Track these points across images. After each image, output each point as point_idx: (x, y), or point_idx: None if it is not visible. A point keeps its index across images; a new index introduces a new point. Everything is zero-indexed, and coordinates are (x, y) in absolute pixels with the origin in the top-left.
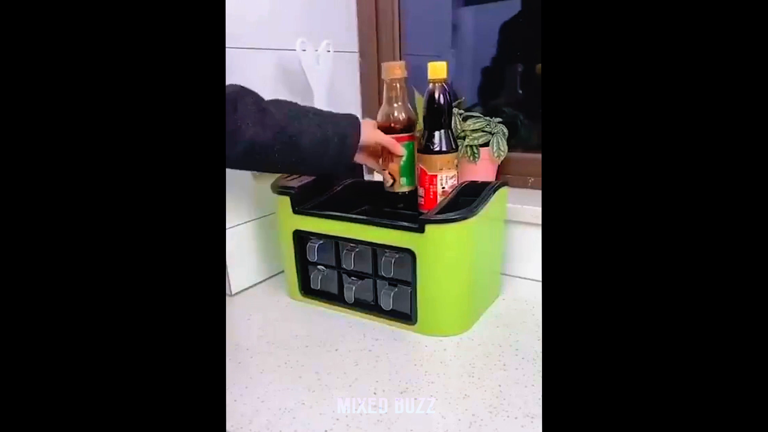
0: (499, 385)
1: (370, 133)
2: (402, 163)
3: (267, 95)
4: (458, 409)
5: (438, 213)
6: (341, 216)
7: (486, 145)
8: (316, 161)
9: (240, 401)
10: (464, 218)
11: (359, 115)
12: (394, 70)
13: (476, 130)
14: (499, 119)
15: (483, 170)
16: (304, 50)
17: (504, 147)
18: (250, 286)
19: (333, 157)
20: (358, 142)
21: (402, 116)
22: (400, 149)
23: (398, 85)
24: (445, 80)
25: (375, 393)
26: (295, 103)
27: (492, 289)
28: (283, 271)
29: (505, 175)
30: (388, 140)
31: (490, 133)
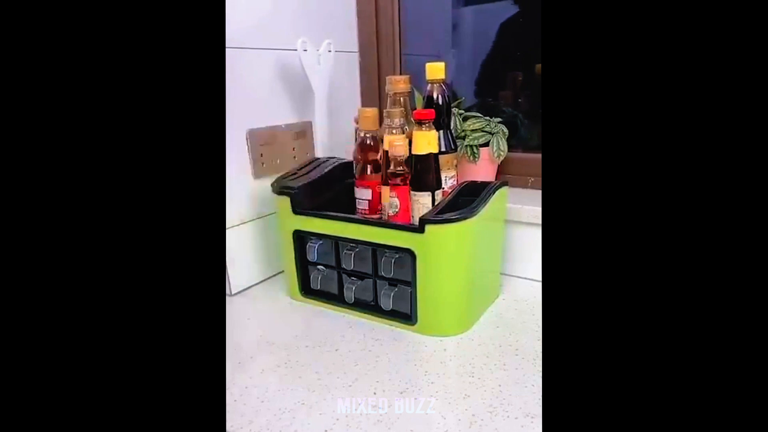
0: (499, 385)
1: None
2: None
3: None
4: (458, 409)
5: (438, 213)
6: (341, 216)
7: (486, 145)
8: None
9: (240, 401)
10: (464, 218)
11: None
12: (398, 84)
13: (476, 130)
14: (499, 119)
15: (483, 170)
16: (305, 50)
17: (504, 147)
18: (250, 286)
19: None
20: None
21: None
22: None
23: (402, 99)
24: (443, 81)
25: (375, 393)
26: None
27: (492, 289)
28: (282, 271)
29: (505, 175)
30: None
31: (490, 133)
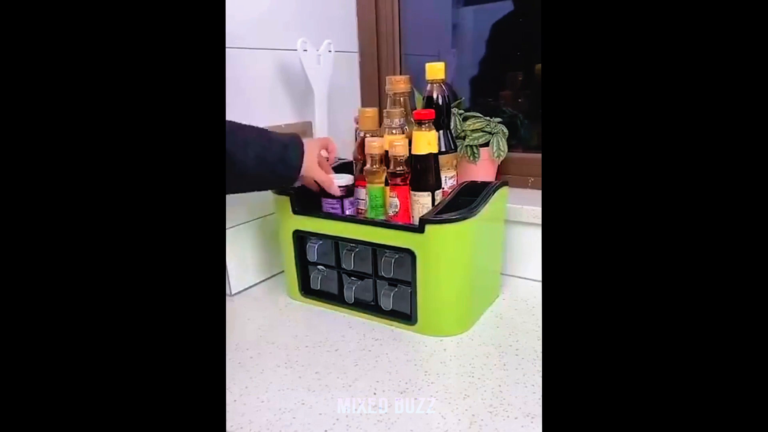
0: (499, 385)
1: (308, 165)
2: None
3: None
4: (458, 409)
5: (438, 213)
6: (341, 216)
7: (486, 145)
8: (254, 179)
9: (240, 401)
10: (464, 218)
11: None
12: (399, 84)
13: (476, 130)
14: (499, 119)
15: (483, 170)
16: (306, 50)
17: (504, 147)
18: (250, 286)
19: (272, 177)
20: (302, 163)
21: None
22: (336, 190)
23: (402, 99)
24: (443, 81)
25: (375, 393)
26: (232, 121)
27: (492, 289)
28: (282, 271)
29: (505, 175)
30: (324, 178)
31: (490, 133)
